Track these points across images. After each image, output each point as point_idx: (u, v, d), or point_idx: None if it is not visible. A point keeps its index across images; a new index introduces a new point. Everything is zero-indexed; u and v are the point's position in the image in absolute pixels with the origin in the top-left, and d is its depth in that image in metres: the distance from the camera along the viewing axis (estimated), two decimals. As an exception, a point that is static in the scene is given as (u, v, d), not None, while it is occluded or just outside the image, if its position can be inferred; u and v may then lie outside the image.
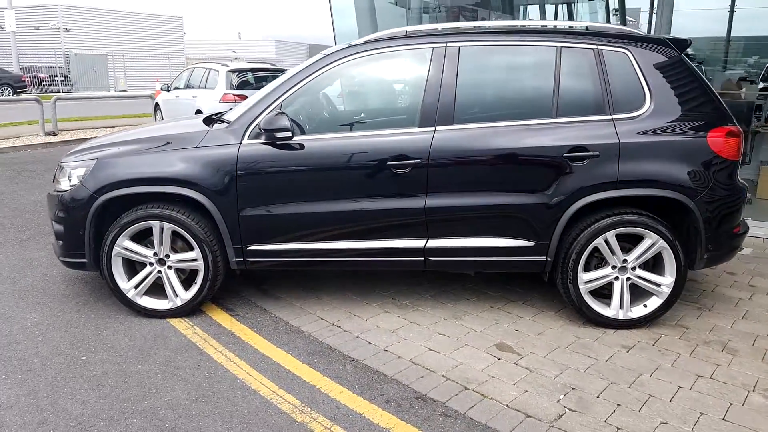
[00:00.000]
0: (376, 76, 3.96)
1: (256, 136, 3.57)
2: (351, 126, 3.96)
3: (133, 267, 3.80)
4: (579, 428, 2.72)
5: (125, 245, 3.67)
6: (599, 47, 3.60)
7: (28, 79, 28.23)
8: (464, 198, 3.59)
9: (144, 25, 40.31)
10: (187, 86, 12.10)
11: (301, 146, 3.57)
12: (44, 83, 30.54)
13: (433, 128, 3.56)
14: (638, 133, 3.51)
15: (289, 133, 3.45)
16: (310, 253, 3.70)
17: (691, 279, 4.56)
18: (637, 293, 3.72)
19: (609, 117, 3.54)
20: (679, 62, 3.61)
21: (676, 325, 3.79)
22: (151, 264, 3.74)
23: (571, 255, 3.60)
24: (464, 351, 3.42)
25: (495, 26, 3.96)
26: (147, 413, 2.80)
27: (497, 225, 3.63)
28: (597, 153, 3.49)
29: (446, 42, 3.65)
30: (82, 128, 13.86)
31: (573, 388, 3.04)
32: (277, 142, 3.56)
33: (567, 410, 2.85)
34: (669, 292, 3.63)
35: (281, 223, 3.64)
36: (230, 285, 4.30)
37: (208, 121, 4.00)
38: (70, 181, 3.72)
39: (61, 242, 3.78)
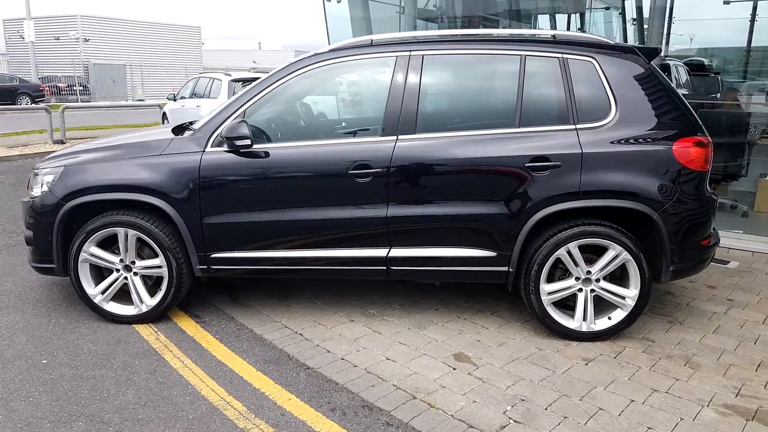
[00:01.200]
0: (340, 84, 3.99)
1: (219, 144, 3.61)
2: (315, 134, 3.98)
3: (102, 273, 3.86)
4: (520, 440, 2.69)
5: (91, 251, 3.73)
6: (565, 56, 3.59)
7: (47, 88, 28.82)
8: (426, 207, 3.59)
9: (162, 35, 40.99)
10: (193, 95, 12.28)
11: (266, 154, 3.61)
12: (63, 92, 31.15)
13: (395, 137, 3.57)
14: (602, 143, 3.49)
15: (248, 141, 3.49)
16: (273, 262, 3.72)
17: (668, 292, 4.50)
18: (605, 305, 3.68)
19: (572, 126, 3.52)
20: (647, 71, 3.58)
21: (642, 338, 3.74)
22: (118, 270, 3.79)
23: (533, 266, 3.58)
24: (421, 361, 3.40)
25: (460, 35, 3.97)
26: (94, 417, 2.83)
27: (459, 235, 3.62)
28: (559, 163, 3.47)
29: (410, 51, 3.66)
30: (90, 137, 14.07)
31: (522, 400, 3.01)
32: (241, 150, 3.59)
33: (511, 422, 2.83)
34: (633, 304, 3.58)
35: (244, 232, 3.67)
36: (201, 292, 4.34)
37: (179, 130, 4.05)
38: (41, 187, 3.80)
39: (31, 248, 3.85)
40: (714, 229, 3.98)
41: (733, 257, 5.41)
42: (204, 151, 3.62)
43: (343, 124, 4.07)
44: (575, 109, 3.53)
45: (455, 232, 3.62)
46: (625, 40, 11.55)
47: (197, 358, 3.43)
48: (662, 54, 8.99)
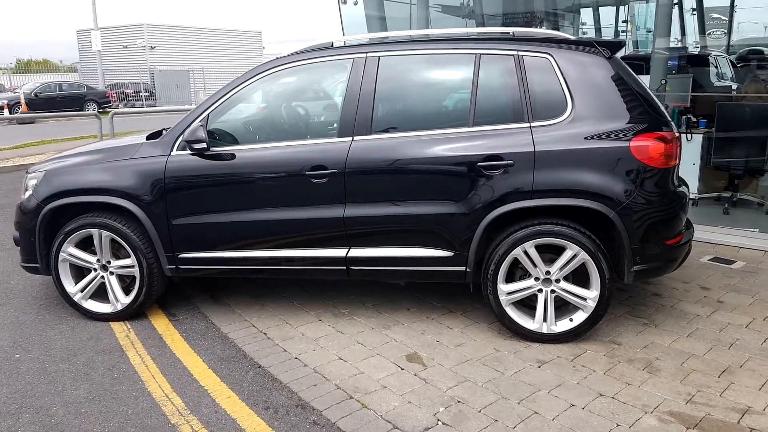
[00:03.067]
0: (300, 87, 4.05)
1: (184, 148, 3.74)
2: (276, 136, 4.05)
3: (83, 273, 4.07)
4: (439, 443, 2.67)
5: (70, 251, 3.94)
6: (520, 53, 3.51)
7: (115, 95, 30.30)
8: (382, 208, 3.60)
9: (224, 40, 42.26)
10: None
11: (227, 156, 3.71)
12: (130, 98, 32.71)
13: (350, 138, 3.60)
14: (555, 141, 3.39)
15: (203, 144, 3.59)
16: (236, 262, 3.82)
17: (655, 293, 4.33)
18: (571, 307, 3.57)
19: (527, 124, 3.44)
20: (606, 66, 3.46)
21: (609, 341, 3.61)
22: (95, 270, 3.99)
23: (490, 266, 3.52)
24: (372, 361, 3.42)
25: (418, 35, 3.94)
26: (42, 409, 3.01)
27: (416, 235, 3.61)
28: (511, 162, 3.41)
29: (366, 52, 3.68)
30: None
31: (459, 402, 2.98)
32: (204, 153, 3.71)
33: (439, 423, 2.80)
34: (594, 306, 3.46)
35: (208, 233, 3.79)
36: (186, 291, 4.49)
37: (155, 135, 4.21)
38: (26, 191, 4.05)
39: (19, 248, 4.11)
40: (688, 227, 3.81)
41: (742, 257, 5.12)
42: (169, 154, 3.76)
43: (304, 125, 4.13)
44: (530, 106, 3.45)
45: (413, 232, 3.61)
46: (683, 32, 11.09)
47: (157, 355, 3.57)
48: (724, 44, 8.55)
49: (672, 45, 10.81)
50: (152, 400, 3.09)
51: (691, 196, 6.63)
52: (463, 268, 3.59)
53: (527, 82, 3.47)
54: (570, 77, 3.43)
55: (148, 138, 3.98)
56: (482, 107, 3.52)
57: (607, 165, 3.36)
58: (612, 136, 3.37)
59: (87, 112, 13.70)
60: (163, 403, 3.05)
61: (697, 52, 9.47)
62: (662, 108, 3.69)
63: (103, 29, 28.76)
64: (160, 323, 4.02)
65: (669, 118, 3.68)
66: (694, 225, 5.75)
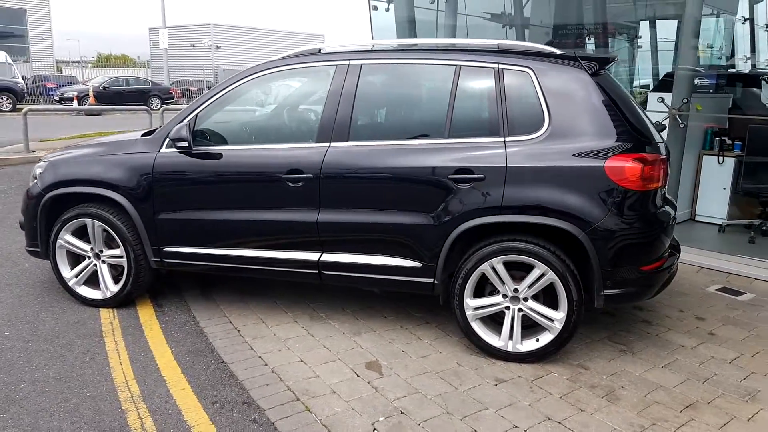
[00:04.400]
0: (286, 91, 4.13)
1: (171, 146, 3.89)
2: (259, 138, 4.15)
3: (79, 259, 4.28)
4: (366, 452, 2.67)
5: (66, 239, 4.16)
6: (501, 66, 3.47)
7: (179, 91, 31.54)
8: (355, 215, 3.63)
9: (287, 42, 43.34)
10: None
11: (210, 156, 3.82)
12: (193, 95, 34.02)
13: (328, 144, 3.65)
14: (529, 157, 3.34)
15: (185, 144, 3.73)
16: (216, 259, 3.94)
17: (645, 320, 4.17)
18: (540, 327, 3.50)
19: (501, 139, 3.40)
20: (589, 82, 3.37)
21: (578, 364, 3.51)
22: (89, 257, 4.20)
23: (457, 279, 3.50)
24: (331, 365, 3.45)
25: (404, 44, 3.95)
26: (10, 384, 3.19)
27: (387, 243, 3.62)
28: (482, 176, 3.37)
29: (349, 60, 3.72)
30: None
31: (402, 413, 2.98)
32: (193, 152, 3.85)
33: (374, 433, 2.81)
34: (560, 327, 3.38)
35: (190, 228, 3.92)
36: (180, 284, 4.65)
37: (151, 132, 4.38)
38: (35, 179, 4.30)
39: (24, 232, 4.37)
40: (672, 252, 3.66)
41: (753, 289, 4.86)
42: (158, 151, 3.92)
43: (287, 129, 4.20)
44: (506, 120, 3.41)
45: (383, 240, 3.62)
46: (753, 49, 10.62)
47: (131, 343, 3.72)
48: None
49: (733, 63, 10.34)
50: (112, 385, 3.23)
51: (718, 222, 6.40)
52: (431, 280, 3.57)
53: (505, 95, 3.42)
54: (549, 92, 3.37)
55: (143, 135, 4.16)
56: (458, 119, 3.51)
57: (580, 184, 3.27)
58: (588, 154, 3.28)
59: (139, 107, 14.25)
60: (120, 389, 3.18)
61: (743, 71, 9.02)
62: (651, 128, 3.57)
63: (171, 28, 30.00)
64: (145, 313, 4.18)
65: (657, 139, 3.55)
66: (715, 252, 5.55)
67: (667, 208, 3.61)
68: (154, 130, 4.29)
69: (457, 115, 3.50)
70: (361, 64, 3.70)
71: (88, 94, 23.85)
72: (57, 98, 24.91)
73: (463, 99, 3.51)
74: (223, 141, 3.98)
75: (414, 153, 3.52)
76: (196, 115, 3.89)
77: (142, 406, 3.03)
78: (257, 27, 42.03)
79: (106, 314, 4.14)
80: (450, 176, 3.42)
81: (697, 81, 6.65)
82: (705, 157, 6.60)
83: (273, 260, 3.84)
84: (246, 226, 3.82)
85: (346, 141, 3.63)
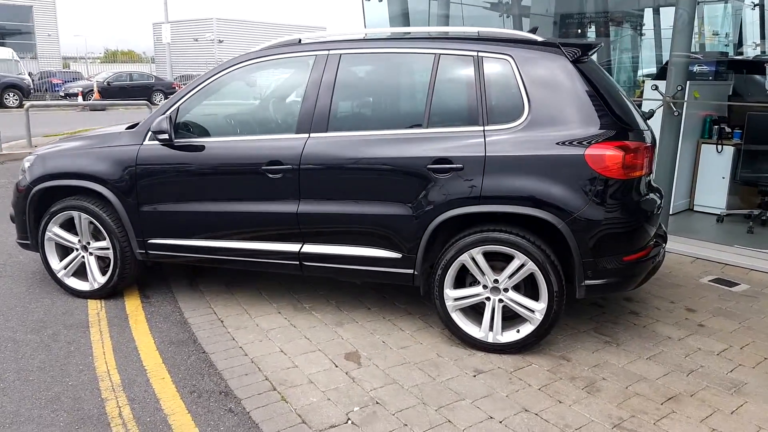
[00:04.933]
0: (266, 81, 4.12)
1: (153, 138, 3.90)
2: (240, 130, 4.15)
3: (68, 251, 4.31)
4: (338, 442, 2.68)
5: (55, 231, 4.19)
6: (480, 54, 3.44)
7: (182, 86, 31.60)
8: (334, 205, 3.62)
9: (289, 35, 43.21)
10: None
11: (192, 148, 3.83)
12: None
13: (307, 135, 3.64)
14: (508, 146, 3.31)
15: (166, 136, 3.73)
16: (199, 251, 3.95)
17: (633, 311, 4.13)
18: (521, 317, 3.48)
19: (480, 128, 3.37)
20: (570, 70, 3.32)
21: (560, 356, 3.49)
22: (77, 249, 4.23)
23: (437, 270, 3.48)
24: (311, 356, 3.46)
25: (382, 33, 3.92)
26: (4, 371, 3.23)
27: (367, 234, 3.61)
28: (460, 166, 3.35)
29: (329, 50, 3.70)
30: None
31: (377, 403, 2.97)
32: (174, 144, 3.85)
33: (348, 422, 2.81)
34: (541, 318, 3.35)
35: (172, 220, 3.93)
36: (169, 276, 4.68)
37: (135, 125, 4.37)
38: (24, 173, 4.33)
39: (15, 225, 4.40)
40: (659, 241, 3.62)
41: (749, 279, 4.80)
42: (141, 144, 3.93)
43: (268, 120, 4.19)
44: (485, 109, 3.37)
45: (363, 231, 3.61)
46: (763, 35, 10.45)
47: (116, 333, 3.75)
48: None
49: (736, 49, 10.14)
50: (94, 374, 3.25)
51: (717, 212, 6.32)
52: (410, 271, 3.56)
53: (484, 84, 3.39)
54: (529, 80, 3.33)
55: (127, 128, 4.16)
56: (437, 109, 3.48)
57: (560, 173, 3.24)
58: (568, 143, 3.24)
59: (142, 101, 14.31)
60: (102, 378, 3.21)
61: (747, 58, 8.87)
62: (635, 116, 3.52)
63: (174, 23, 30.09)
64: (132, 304, 4.21)
65: (642, 127, 3.50)
66: (711, 242, 5.48)
67: (653, 196, 3.56)
68: (137, 123, 4.29)
69: (435, 104, 3.47)
70: (341, 54, 3.67)
71: (92, 90, 23.97)
72: (62, 94, 25.07)
73: (442, 88, 3.49)
74: (205, 133, 3.98)
75: (392, 143, 3.50)
76: (178, 107, 3.89)
77: (121, 395, 3.05)
78: (260, 21, 42.00)
79: (93, 305, 4.17)
80: (428, 166, 3.40)
81: (695, 68, 6.56)
82: (704, 145, 6.53)
83: (255, 251, 3.84)
84: (227, 218, 3.83)
85: (326, 132, 3.62)
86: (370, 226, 3.58)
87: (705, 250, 5.36)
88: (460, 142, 3.38)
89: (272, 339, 3.66)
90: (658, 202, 3.63)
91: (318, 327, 3.83)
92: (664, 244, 3.77)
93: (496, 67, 3.40)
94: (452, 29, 3.79)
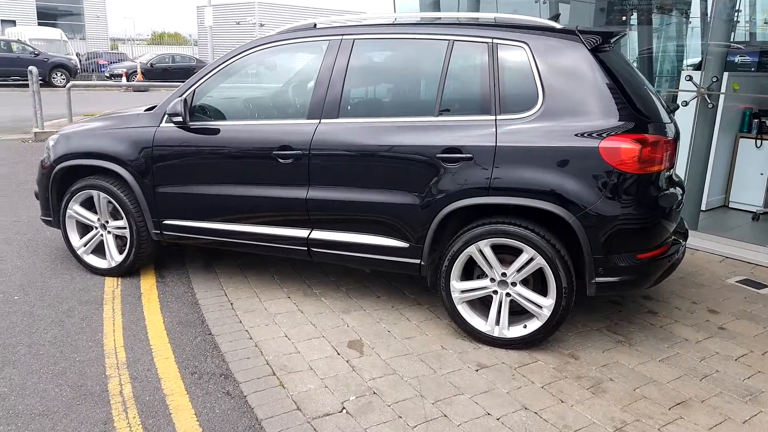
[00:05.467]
0: (281, 66, 4.10)
1: (169, 120, 3.93)
2: (253, 114, 4.14)
3: (88, 229, 4.41)
4: (329, 429, 2.67)
5: (75, 209, 4.29)
6: (495, 41, 3.33)
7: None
8: (343, 192, 3.59)
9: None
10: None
11: (207, 131, 3.84)
12: (238, 73, 34.44)
13: (318, 120, 3.61)
14: (519, 136, 3.21)
15: (180, 118, 3.75)
16: (210, 233, 3.98)
17: (651, 311, 3.99)
18: (529, 313, 3.40)
19: (492, 117, 3.28)
20: (588, 58, 3.19)
21: (568, 353, 3.40)
22: (96, 228, 4.32)
23: (444, 261, 3.42)
24: (314, 342, 3.45)
25: (406, 18, 3.83)
26: (9, 346, 3.34)
27: (374, 222, 3.57)
28: (470, 155, 3.27)
29: (342, 35, 3.65)
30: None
31: (374, 393, 2.95)
32: (190, 127, 3.87)
33: (343, 411, 2.80)
34: (548, 315, 3.27)
35: (186, 202, 3.97)
36: (185, 255, 4.75)
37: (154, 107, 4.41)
38: (47, 151, 4.44)
39: (39, 202, 4.53)
40: (678, 239, 3.47)
41: (781, 281, 4.58)
42: (158, 126, 3.97)
43: (281, 105, 4.17)
44: (498, 98, 3.28)
45: (371, 219, 3.58)
46: None
47: (128, 311, 3.82)
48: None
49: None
50: (101, 351, 3.33)
51: (753, 210, 6.05)
52: (417, 261, 3.51)
53: (498, 72, 3.29)
54: (544, 69, 3.22)
55: (146, 110, 4.21)
56: (449, 96, 3.40)
57: (573, 166, 3.13)
58: (582, 134, 3.12)
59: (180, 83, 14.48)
60: (108, 355, 3.28)
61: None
62: (658, 108, 3.37)
63: (216, 6, 30.34)
64: (147, 283, 4.28)
65: (665, 120, 3.35)
66: (744, 241, 5.24)
67: (673, 191, 3.42)
68: (155, 105, 4.33)
69: (447, 92, 3.39)
70: (354, 40, 3.62)
71: (136, 71, 24.48)
72: (107, 75, 25.69)
73: (455, 75, 3.40)
74: (220, 116, 3.99)
75: (403, 131, 3.44)
76: (194, 90, 3.91)
77: (125, 372, 3.11)
78: (301, 5, 41.98)
79: (110, 282, 4.26)
80: (438, 155, 3.33)
81: (737, 58, 6.25)
82: (742, 140, 6.23)
83: (264, 236, 3.85)
84: (239, 202, 3.84)
85: (336, 118, 3.58)
86: (378, 214, 3.54)
87: (736, 250, 5.13)
88: (471, 131, 3.30)
89: (278, 323, 3.67)
90: (679, 197, 3.48)
91: (325, 313, 3.83)
92: (683, 242, 3.62)
93: (510, 54, 3.29)
94: (470, 15, 3.66)
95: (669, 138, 3.29)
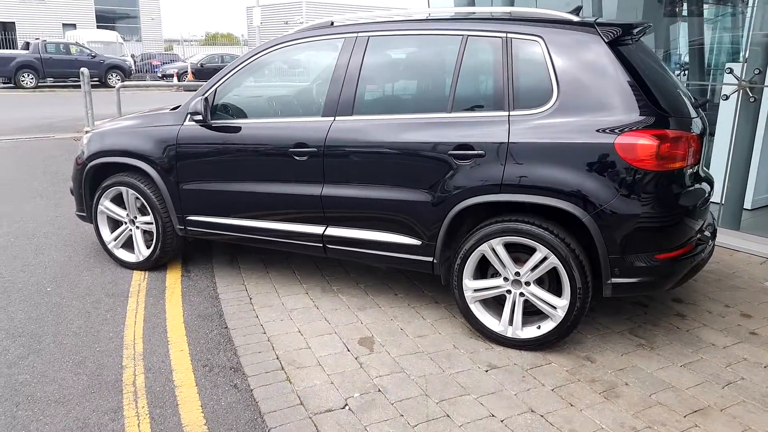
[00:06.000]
0: (300, 64, 4.12)
1: (191, 119, 4.02)
2: (272, 112, 4.18)
3: (118, 224, 4.57)
4: (329, 425, 2.67)
5: (106, 205, 4.45)
6: (509, 35, 3.26)
7: (267, 67, 32.54)
8: (357, 189, 3.59)
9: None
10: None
11: (227, 129, 3.91)
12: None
13: (333, 118, 3.62)
14: (532, 132, 3.13)
15: (200, 117, 3.84)
16: (230, 229, 4.05)
17: (679, 313, 3.84)
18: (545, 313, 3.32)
19: (505, 113, 3.21)
20: (605, 52, 3.08)
21: (584, 356, 3.30)
22: (125, 223, 4.47)
23: (456, 259, 3.38)
24: (326, 338, 3.47)
25: (414, 15, 3.78)
26: (35, 335, 3.50)
27: (388, 220, 3.56)
28: (482, 152, 3.21)
29: (357, 32, 3.65)
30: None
31: (379, 390, 2.95)
32: (212, 125, 3.96)
33: (345, 408, 2.81)
34: (563, 316, 3.18)
35: (208, 198, 4.06)
36: (214, 252, 4.86)
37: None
38: (81, 149, 4.62)
39: (74, 197, 4.72)
40: (702, 239, 3.32)
41: (824, 285, 4.31)
42: (182, 124, 4.07)
43: (300, 102, 4.19)
44: (512, 94, 3.21)
45: (384, 216, 3.57)
46: None
47: (151, 304, 3.94)
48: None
49: None
50: (121, 342, 3.44)
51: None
52: (430, 259, 3.48)
53: (512, 67, 3.22)
54: (559, 63, 3.13)
55: (172, 109, 4.32)
56: (462, 92, 3.35)
57: (587, 162, 3.03)
58: (598, 130, 3.02)
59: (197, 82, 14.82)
60: (127, 347, 3.39)
61: None
62: (684, 103, 3.23)
63: (265, 6, 30.87)
64: (172, 277, 4.40)
65: (690, 115, 3.21)
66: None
67: (699, 188, 3.27)
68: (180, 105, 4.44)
69: (461, 87, 3.34)
70: (369, 37, 3.61)
71: (187, 71, 25.18)
72: (160, 75, 26.54)
73: (468, 71, 3.35)
74: (240, 114, 4.05)
75: (416, 127, 3.41)
76: (216, 89, 3.98)
77: (140, 363, 3.21)
78: (350, 3, 42.25)
79: (138, 276, 4.40)
80: (450, 152, 3.28)
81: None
82: (792, 136, 5.88)
83: (281, 232, 3.89)
84: (257, 198, 3.90)
85: (351, 115, 3.58)
86: (392, 212, 3.52)
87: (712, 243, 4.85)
88: (484, 127, 3.24)
89: (293, 319, 3.71)
90: (706, 194, 3.32)
91: (340, 310, 3.84)
92: (711, 241, 3.46)
93: (525, 49, 3.21)
94: (488, 9, 3.59)
95: (695, 133, 3.14)
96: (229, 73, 3.99)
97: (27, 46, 23.76)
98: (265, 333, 3.53)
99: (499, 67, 3.25)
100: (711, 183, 3.49)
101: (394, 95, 3.72)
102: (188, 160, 4.04)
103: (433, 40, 3.54)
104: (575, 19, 3.26)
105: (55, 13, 35.13)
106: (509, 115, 3.19)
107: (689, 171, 3.18)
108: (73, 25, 34.27)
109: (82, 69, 11.13)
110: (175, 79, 24.23)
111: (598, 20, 3.20)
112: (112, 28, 34.64)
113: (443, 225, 3.36)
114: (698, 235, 3.32)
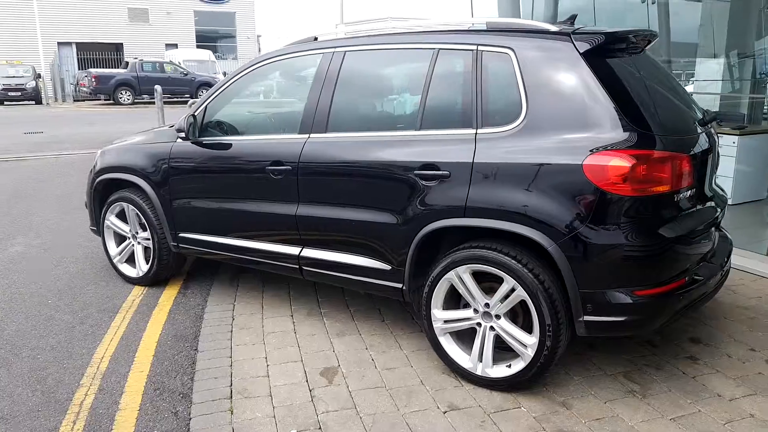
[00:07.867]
0: (280, 81, 4.02)
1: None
2: (255, 129, 4.11)
3: (124, 239, 4.67)
4: (250, 464, 2.52)
5: (111, 220, 4.56)
6: (480, 47, 3.01)
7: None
8: (328, 209, 3.45)
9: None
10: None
11: (222, 146, 3.88)
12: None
13: (307, 135, 3.50)
14: (498, 152, 2.86)
15: (182, 134, 3.84)
16: (215, 246, 4.01)
17: (691, 356, 3.38)
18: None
19: (473, 131, 2.96)
20: (580, 64, 2.76)
21: (561, 401, 2.95)
22: (129, 238, 4.56)
23: (424, 287, 3.14)
24: (289, 366, 3.32)
25: (395, 29, 3.57)
26: (16, 347, 3.59)
27: (358, 242, 3.38)
28: (447, 172, 2.97)
29: (334, 48, 3.52)
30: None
31: (319, 428, 2.76)
32: (204, 142, 3.96)
33: (275, 446, 2.64)
34: (532, 355, 2.86)
35: (194, 215, 4.05)
36: (217, 267, 4.86)
37: None
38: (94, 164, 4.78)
39: (88, 212, 4.88)
40: (698, 275, 2.89)
41: None
42: (175, 141, 4.09)
43: (281, 120, 4.09)
44: (480, 110, 2.95)
45: (355, 238, 3.39)
46: None
47: (135, 322, 3.95)
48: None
49: None
50: (89, 360, 3.46)
51: None
52: (399, 285, 3.25)
53: (482, 81, 2.96)
54: (529, 77, 2.83)
55: (170, 126, 4.37)
56: (432, 109, 3.12)
57: (553, 185, 2.71)
58: (566, 150, 2.70)
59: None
60: (93, 364, 3.40)
61: None
62: (684, 120, 2.87)
63: (350, 23, 31.41)
64: (168, 294, 4.42)
65: (689, 134, 2.84)
66: None
67: (702, 209, 2.87)
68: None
69: (430, 104, 3.12)
70: (345, 52, 3.47)
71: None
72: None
73: (438, 86, 3.11)
74: (229, 131, 4.03)
75: (384, 145, 3.22)
76: (206, 106, 3.98)
77: (96, 383, 3.20)
78: (433, 18, 42.32)
79: (136, 291, 4.46)
80: (416, 172, 3.06)
81: None
82: None
83: (263, 252, 3.80)
84: (239, 217, 3.84)
85: (325, 132, 3.44)
86: (362, 234, 3.34)
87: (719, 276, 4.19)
88: (450, 146, 3.00)
89: (266, 343, 3.60)
90: (711, 218, 2.90)
91: (317, 335, 3.68)
92: (719, 272, 3.01)
93: (495, 61, 2.95)
94: (469, 20, 3.36)
95: (688, 153, 2.74)
96: (217, 91, 3.97)
97: (126, 65, 25.52)
98: (230, 357, 3.43)
99: (469, 81, 3.00)
100: (721, 202, 3.04)
101: (367, 112, 3.55)
102: (178, 176, 4.06)
103: (407, 55, 3.35)
104: (552, 28, 2.96)
105: (159, 34, 37.38)
106: (476, 134, 2.93)
107: (684, 194, 2.78)
108: (175, 45, 36.31)
109: (156, 86, 11.64)
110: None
111: (577, 29, 2.88)
112: (213, 48, 36.39)
113: (410, 250, 3.13)
114: (697, 266, 2.89)
